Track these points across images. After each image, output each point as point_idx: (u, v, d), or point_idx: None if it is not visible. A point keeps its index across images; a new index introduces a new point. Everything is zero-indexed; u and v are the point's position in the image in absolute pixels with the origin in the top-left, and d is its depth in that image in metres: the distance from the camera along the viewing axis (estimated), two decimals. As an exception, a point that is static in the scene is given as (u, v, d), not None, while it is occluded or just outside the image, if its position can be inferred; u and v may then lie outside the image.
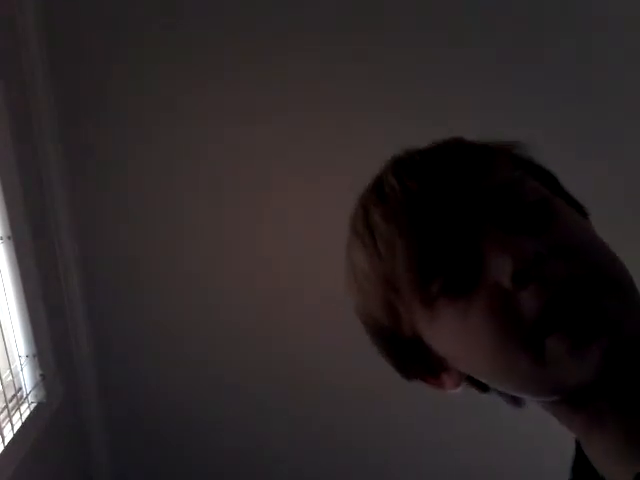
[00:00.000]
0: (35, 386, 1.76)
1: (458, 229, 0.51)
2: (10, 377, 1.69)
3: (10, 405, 1.65)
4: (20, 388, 1.74)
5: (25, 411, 1.70)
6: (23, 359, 1.74)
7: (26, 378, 1.75)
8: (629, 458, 0.48)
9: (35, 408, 1.74)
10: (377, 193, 0.56)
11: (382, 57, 1.87)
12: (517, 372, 0.50)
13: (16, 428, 1.60)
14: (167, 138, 1.95)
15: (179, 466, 2.21)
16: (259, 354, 2.09)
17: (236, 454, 2.18)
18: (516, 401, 0.56)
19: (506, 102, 1.86)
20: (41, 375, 1.77)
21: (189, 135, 1.95)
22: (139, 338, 2.10)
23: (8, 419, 1.60)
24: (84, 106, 1.94)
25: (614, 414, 0.49)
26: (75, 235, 2.00)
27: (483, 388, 0.57)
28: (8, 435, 1.57)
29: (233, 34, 1.88)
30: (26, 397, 1.73)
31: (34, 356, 1.75)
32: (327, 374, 2.06)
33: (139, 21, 1.89)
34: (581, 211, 0.57)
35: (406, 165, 0.56)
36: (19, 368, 1.72)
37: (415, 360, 0.58)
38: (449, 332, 0.52)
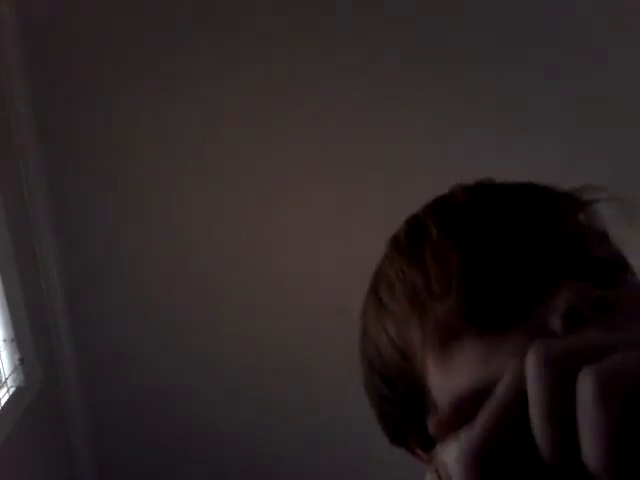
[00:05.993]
0: (14, 370, 1.74)
1: (525, 269, 0.45)
2: (-12, 361, 1.67)
3: (-12, 390, 1.63)
4: (-2, 372, 1.72)
5: (4, 396, 1.68)
6: (1, 343, 1.71)
7: (4, 362, 1.73)
8: None
9: (14, 392, 1.72)
10: (440, 207, 0.51)
11: (382, 58, 1.86)
12: None
13: (-5, 413, 1.59)
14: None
15: (161, 450, 2.20)
16: (245, 343, 2.09)
17: (220, 437, 2.18)
18: None
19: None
20: (20, 359, 1.75)
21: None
22: (121, 322, 2.08)
23: (-14, 404, 1.58)
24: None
25: None
26: (54, 219, 1.98)
27: None
28: (-13, 420, 1.55)
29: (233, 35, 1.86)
30: (5, 381, 1.71)
31: (12, 340, 1.73)
32: (327, 373, 2.04)
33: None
34: None
35: (480, 193, 0.51)
36: (-3, 352, 1.70)
37: (409, 415, 0.50)
38: (465, 377, 0.44)
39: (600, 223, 0.50)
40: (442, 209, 0.51)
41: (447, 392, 0.45)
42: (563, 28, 1.83)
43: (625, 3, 1.80)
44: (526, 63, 1.85)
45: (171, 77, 1.89)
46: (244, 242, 2.01)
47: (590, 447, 0.23)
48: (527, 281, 0.44)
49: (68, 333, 2.07)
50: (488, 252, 0.46)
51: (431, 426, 0.30)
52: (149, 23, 1.86)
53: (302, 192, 1.97)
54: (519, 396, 0.26)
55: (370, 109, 1.89)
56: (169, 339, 2.09)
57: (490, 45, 1.85)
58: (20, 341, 1.75)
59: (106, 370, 2.12)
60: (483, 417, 0.26)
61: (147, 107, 1.91)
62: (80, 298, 2.06)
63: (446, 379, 0.45)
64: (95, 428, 2.17)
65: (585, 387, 0.23)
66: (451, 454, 0.29)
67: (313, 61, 1.88)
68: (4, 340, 1.72)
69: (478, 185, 0.52)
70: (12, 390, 1.72)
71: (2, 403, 1.65)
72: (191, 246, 2.02)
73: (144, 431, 2.18)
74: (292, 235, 2.00)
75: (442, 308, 0.46)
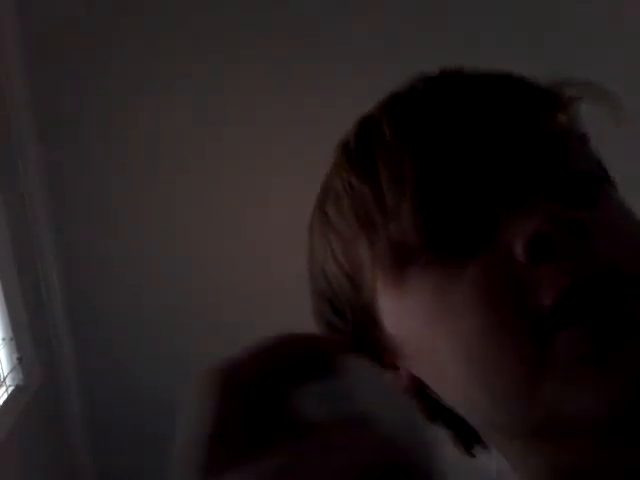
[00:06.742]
0: (12, 369, 1.74)
1: (491, 185, 0.39)
2: (-14, 360, 1.67)
3: (-13, 389, 1.63)
4: (-3, 371, 1.72)
5: (3, 395, 1.68)
6: None
7: (3, 361, 1.73)
8: None
9: (13, 391, 1.73)
10: (396, 104, 0.43)
11: (382, 58, 1.86)
12: (502, 378, 0.36)
13: (-7, 412, 1.59)
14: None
15: (160, 449, 2.19)
16: (245, 343, 2.08)
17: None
18: (467, 443, 0.45)
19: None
20: (18, 358, 1.75)
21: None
22: (119, 320, 2.08)
23: (-15, 403, 1.58)
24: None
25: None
26: (54, 219, 1.98)
27: (430, 414, 0.43)
28: (-15, 419, 1.55)
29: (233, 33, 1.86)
30: (3, 380, 1.71)
31: (11, 339, 1.73)
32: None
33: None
34: None
35: (443, 82, 0.43)
36: (-5, 351, 1.71)
37: (359, 345, 0.44)
38: (420, 304, 0.39)
39: (582, 126, 0.44)
40: (398, 105, 0.43)
41: (398, 317, 0.41)
42: (563, 28, 1.82)
43: (625, 3, 1.79)
44: (526, 63, 1.84)
45: (171, 77, 1.89)
46: (244, 242, 2.00)
47: None
48: (492, 199, 0.38)
49: (68, 333, 2.07)
50: (449, 161, 0.39)
51: None
52: (149, 23, 1.86)
53: (302, 192, 1.96)
54: None
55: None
56: (169, 339, 2.09)
57: (490, 45, 1.84)
58: (19, 340, 1.75)
59: (106, 370, 2.12)
60: None
61: (147, 107, 1.91)
62: (80, 298, 2.06)
63: (397, 303, 0.40)
64: (94, 427, 2.17)
65: None
66: None
67: (313, 61, 1.88)
68: (3, 339, 1.72)
69: (442, 75, 0.44)
70: (11, 389, 1.73)
71: (1, 402, 1.65)
72: (191, 246, 2.02)
73: (144, 431, 2.18)
74: (292, 235, 1.99)
75: (395, 226, 0.40)
